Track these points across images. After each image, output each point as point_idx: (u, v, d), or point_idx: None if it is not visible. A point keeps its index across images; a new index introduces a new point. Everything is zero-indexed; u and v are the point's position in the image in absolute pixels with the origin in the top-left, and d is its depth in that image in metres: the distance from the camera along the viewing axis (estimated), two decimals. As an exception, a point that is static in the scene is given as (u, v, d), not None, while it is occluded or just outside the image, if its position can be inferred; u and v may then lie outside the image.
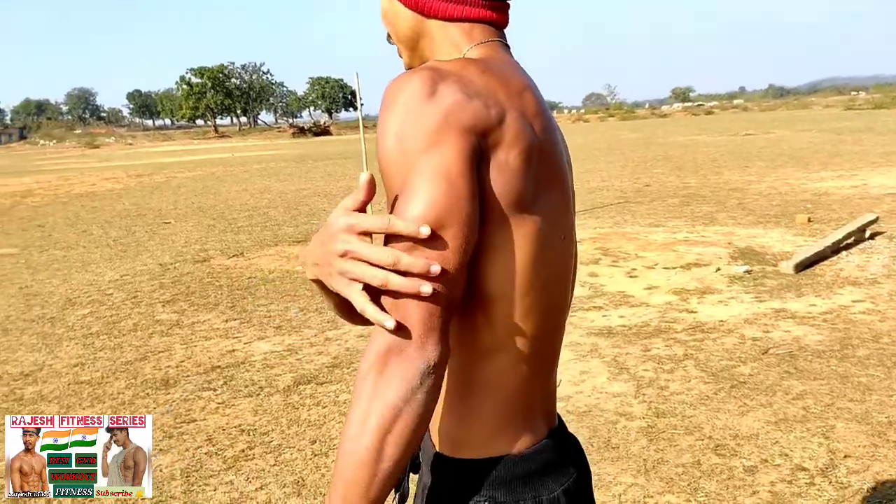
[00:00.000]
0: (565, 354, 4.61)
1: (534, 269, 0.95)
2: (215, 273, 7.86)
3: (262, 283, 7.23)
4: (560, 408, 1.11)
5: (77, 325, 6.06)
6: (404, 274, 0.85)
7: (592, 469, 3.34)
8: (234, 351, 5.16)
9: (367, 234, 0.88)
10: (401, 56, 1.16)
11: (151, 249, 9.66)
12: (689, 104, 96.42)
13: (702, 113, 71.96)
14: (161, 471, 3.43)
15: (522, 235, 0.93)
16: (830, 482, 3.06)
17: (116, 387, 4.58)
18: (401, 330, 0.85)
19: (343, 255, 0.88)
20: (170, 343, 5.43)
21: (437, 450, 1.06)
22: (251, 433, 3.80)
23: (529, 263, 0.94)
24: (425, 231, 0.83)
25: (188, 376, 4.70)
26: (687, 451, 3.38)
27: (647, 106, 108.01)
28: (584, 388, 4.17)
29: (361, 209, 0.90)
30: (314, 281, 0.97)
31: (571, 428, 3.85)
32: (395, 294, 0.86)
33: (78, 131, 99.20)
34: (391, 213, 0.88)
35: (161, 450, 3.65)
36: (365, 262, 0.86)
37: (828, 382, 4.09)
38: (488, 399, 1.00)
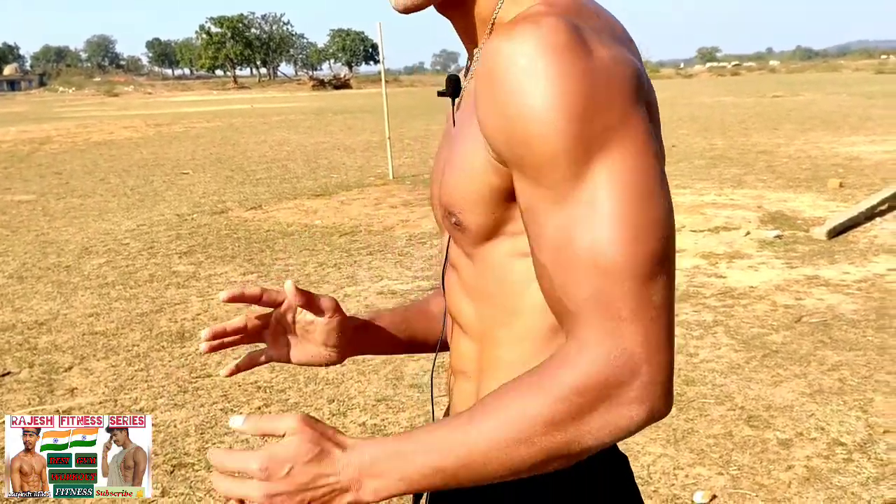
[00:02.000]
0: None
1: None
2: (233, 225, 7.76)
3: (281, 236, 7.13)
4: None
5: (93, 275, 5.99)
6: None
7: (620, 438, 3.22)
8: (251, 305, 5.06)
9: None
10: None
11: (169, 200, 9.58)
12: (715, 64, 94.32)
13: (728, 74, 70.53)
14: (175, 426, 3.35)
15: None
16: (869, 458, 2.93)
17: (131, 338, 4.51)
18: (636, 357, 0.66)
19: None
20: (186, 295, 5.35)
21: None
22: (268, 390, 3.71)
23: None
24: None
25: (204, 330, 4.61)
26: (718, 422, 3.25)
27: (681, 66, 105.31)
28: (609, 352, 4.04)
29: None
30: None
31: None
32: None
33: (97, 79, 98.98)
34: (560, 208, 0.69)
35: (176, 405, 3.58)
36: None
37: (864, 353, 3.94)
38: None
